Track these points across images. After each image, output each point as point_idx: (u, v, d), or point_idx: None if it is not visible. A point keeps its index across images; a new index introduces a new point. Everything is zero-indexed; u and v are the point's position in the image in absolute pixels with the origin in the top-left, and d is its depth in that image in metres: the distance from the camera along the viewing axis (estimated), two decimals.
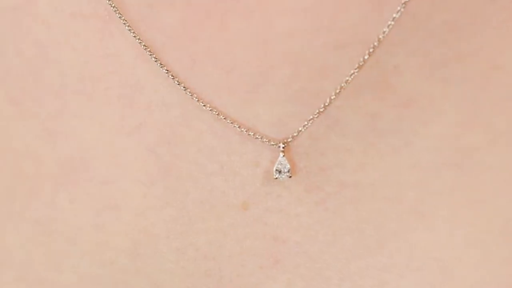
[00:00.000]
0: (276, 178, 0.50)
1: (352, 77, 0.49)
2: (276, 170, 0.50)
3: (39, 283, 0.52)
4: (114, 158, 0.51)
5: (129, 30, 0.50)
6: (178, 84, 0.50)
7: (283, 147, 0.50)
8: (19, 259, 0.53)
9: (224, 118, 0.50)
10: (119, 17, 0.50)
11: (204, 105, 0.50)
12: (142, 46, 0.50)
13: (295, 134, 0.50)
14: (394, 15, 0.48)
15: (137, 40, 0.50)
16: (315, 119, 0.49)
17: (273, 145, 0.50)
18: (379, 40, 0.48)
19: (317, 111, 0.49)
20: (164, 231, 0.51)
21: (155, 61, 0.50)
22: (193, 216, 0.51)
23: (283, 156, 0.50)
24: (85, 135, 0.51)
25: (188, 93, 0.50)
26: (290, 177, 0.50)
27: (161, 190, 0.51)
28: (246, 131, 0.50)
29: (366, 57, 0.48)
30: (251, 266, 0.51)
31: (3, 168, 0.53)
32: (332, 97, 0.49)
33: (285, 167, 0.50)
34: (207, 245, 0.51)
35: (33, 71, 0.52)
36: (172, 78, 0.50)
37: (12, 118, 0.52)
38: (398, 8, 0.48)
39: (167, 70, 0.50)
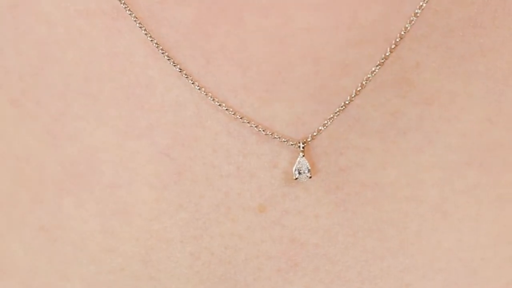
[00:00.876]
0: (296, 178, 0.49)
1: (373, 74, 0.48)
2: (296, 170, 0.49)
3: None
4: (124, 161, 0.49)
5: (140, 27, 0.48)
6: (192, 83, 0.48)
7: (303, 147, 0.49)
8: (23, 267, 0.50)
9: (241, 118, 0.48)
10: (129, 14, 0.48)
11: (219, 104, 0.48)
12: (154, 44, 0.48)
13: (314, 134, 0.48)
14: (416, 11, 0.47)
15: (148, 38, 0.48)
16: (335, 118, 0.48)
17: (292, 145, 0.48)
18: (400, 36, 0.47)
19: (337, 109, 0.48)
20: (177, 236, 0.49)
21: (168, 59, 0.48)
22: (208, 220, 0.49)
23: (303, 156, 0.49)
24: (91, 137, 0.49)
25: (202, 92, 0.48)
26: (310, 177, 0.49)
27: (175, 193, 0.49)
28: (263, 131, 0.48)
29: (387, 53, 0.47)
30: (268, 270, 0.49)
31: (4, 173, 0.50)
32: (353, 95, 0.48)
33: (305, 168, 0.49)
34: (222, 249, 0.49)
35: (35, 71, 0.50)
36: (186, 77, 0.48)
37: (13, 120, 0.50)
38: (421, 3, 0.47)
39: (180, 69, 0.48)
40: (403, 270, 0.49)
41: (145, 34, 0.49)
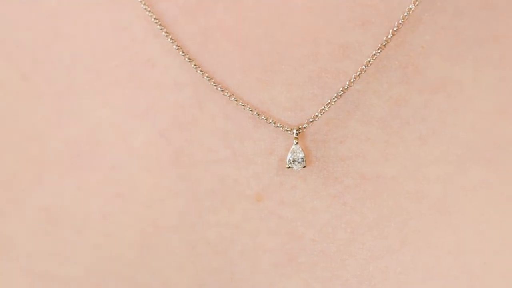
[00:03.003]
0: (289, 167, 0.47)
1: (374, 58, 0.45)
2: (289, 159, 0.46)
3: (44, 275, 0.50)
4: (124, 142, 0.48)
5: (139, 1, 0.47)
6: (189, 61, 0.47)
7: (296, 134, 0.46)
8: (24, 250, 0.50)
9: (236, 100, 0.46)
10: None
11: (215, 85, 0.47)
12: (153, 19, 0.47)
13: (310, 120, 0.46)
14: None
15: (147, 12, 0.47)
16: (333, 103, 0.46)
17: (287, 130, 0.46)
18: (403, 17, 0.44)
19: (335, 94, 0.46)
20: (173, 223, 0.48)
21: (166, 35, 0.47)
22: (204, 207, 0.48)
23: (297, 143, 0.47)
24: (94, 116, 0.49)
25: (199, 71, 0.47)
26: (305, 167, 0.47)
27: (172, 178, 0.48)
28: (259, 115, 0.46)
29: (389, 36, 0.45)
30: (265, 263, 0.47)
31: (8, 150, 0.50)
32: (352, 80, 0.45)
33: (299, 156, 0.46)
34: (218, 239, 0.48)
35: (44, 45, 0.49)
36: (183, 55, 0.47)
37: (21, 95, 0.50)
38: None
39: (178, 46, 0.47)
40: (402, 272, 0.46)
41: (145, 8, 0.48)
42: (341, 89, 0.46)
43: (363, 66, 0.45)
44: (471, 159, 0.45)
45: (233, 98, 0.47)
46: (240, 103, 0.47)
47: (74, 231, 0.49)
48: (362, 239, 0.46)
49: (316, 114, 0.46)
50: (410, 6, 0.44)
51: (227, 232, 0.48)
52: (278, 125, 0.46)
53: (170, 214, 0.48)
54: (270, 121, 0.46)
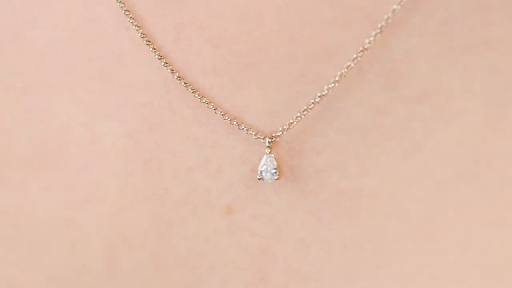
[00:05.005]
0: (260, 178, 0.44)
1: (355, 62, 0.42)
2: (261, 169, 0.43)
3: (4, 284, 0.48)
4: (92, 143, 0.46)
5: None
6: (160, 58, 0.45)
7: (269, 142, 0.44)
8: None
9: (208, 103, 0.43)
10: None
11: (186, 86, 0.44)
12: (124, 12, 0.45)
13: (285, 127, 0.43)
14: None
15: (118, 4, 0.45)
16: (310, 110, 0.43)
17: (259, 138, 0.43)
18: (387, 19, 0.41)
19: (313, 100, 0.43)
20: (141, 233, 0.46)
21: (137, 30, 0.45)
22: (173, 218, 0.45)
23: (270, 153, 0.44)
24: (62, 114, 0.46)
25: (169, 70, 0.44)
26: (278, 178, 0.44)
27: (140, 184, 0.45)
28: (231, 120, 0.44)
29: (371, 38, 0.42)
30: (235, 281, 0.45)
31: None
32: (331, 85, 0.42)
33: (271, 167, 0.43)
34: (187, 252, 0.45)
35: (12, 36, 0.47)
36: (154, 51, 0.45)
37: None
38: None
39: (149, 41, 0.45)
40: None
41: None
42: (318, 94, 0.43)
43: (343, 71, 0.42)
44: (457, 177, 0.42)
45: (204, 101, 0.44)
46: (212, 107, 0.44)
47: (38, 237, 0.47)
48: (337, 259, 0.44)
49: (292, 121, 0.43)
50: (395, 7, 0.41)
51: (196, 246, 0.45)
52: (251, 132, 0.43)
53: (138, 224, 0.46)
54: (243, 127, 0.44)
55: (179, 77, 0.44)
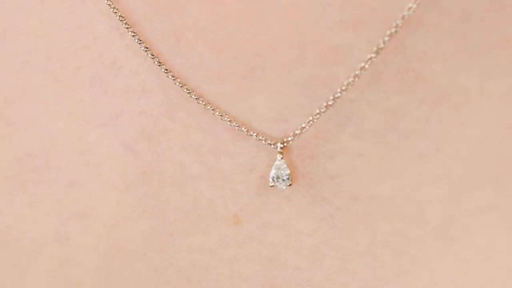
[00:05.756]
0: (273, 186, 0.43)
1: (369, 63, 0.41)
2: (273, 176, 0.42)
3: None
4: (84, 155, 0.45)
5: None
6: (159, 65, 0.43)
7: (281, 148, 0.43)
8: None
9: (213, 110, 0.43)
10: None
11: (189, 92, 0.43)
12: (118, 17, 0.44)
13: (297, 132, 0.42)
14: None
15: (111, 9, 0.44)
16: (322, 114, 0.42)
17: (270, 144, 0.43)
18: (403, 18, 0.41)
19: (325, 104, 0.42)
20: (140, 247, 0.44)
21: (133, 36, 0.44)
22: (175, 230, 0.44)
23: (281, 158, 0.43)
24: (49, 125, 0.45)
25: (170, 76, 0.43)
26: (290, 185, 0.43)
27: (138, 196, 0.44)
28: (238, 126, 0.43)
29: (386, 38, 0.41)
30: None
31: None
32: (344, 88, 0.42)
33: (283, 173, 0.43)
34: (190, 266, 0.44)
35: None
36: (152, 58, 0.43)
37: None
38: None
39: (147, 48, 0.44)
40: None
41: (108, 4, 0.44)
42: (331, 98, 0.42)
43: (357, 72, 0.41)
44: (476, 179, 0.42)
45: (209, 107, 0.43)
46: (217, 113, 0.43)
47: (26, 255, 0.46)
48: (353, 267, 0.43)
49: (303, 126, 0.42)
50: (411, 6, 0.40)
51: (200, 259, 0.44)
52: (260, 137, 0.42)
53: (136, 236, 0.44)
54: (251, 133, 0.43)
55: (181, 83, 0.43)
